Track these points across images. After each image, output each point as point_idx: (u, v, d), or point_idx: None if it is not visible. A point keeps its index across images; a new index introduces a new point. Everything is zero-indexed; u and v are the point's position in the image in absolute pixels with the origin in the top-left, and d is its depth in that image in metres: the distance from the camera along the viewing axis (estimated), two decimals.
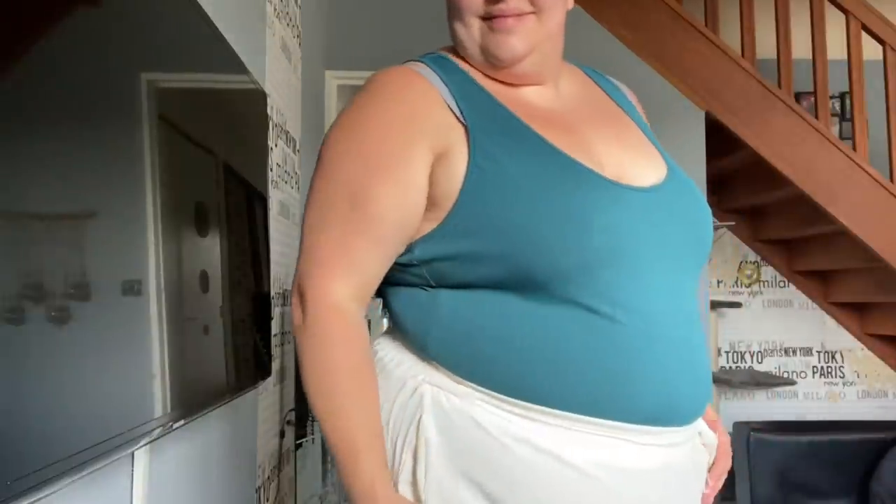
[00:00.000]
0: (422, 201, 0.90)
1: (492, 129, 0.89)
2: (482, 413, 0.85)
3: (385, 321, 1.02)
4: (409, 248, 0.92)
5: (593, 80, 1.06)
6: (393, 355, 0.95)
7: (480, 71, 0.96)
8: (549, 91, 0.98)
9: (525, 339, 0.86)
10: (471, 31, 0.92)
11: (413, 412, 0.87)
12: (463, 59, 0.97)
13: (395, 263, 0.94)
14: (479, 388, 0.86)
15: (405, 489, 0.87)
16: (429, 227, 0.90)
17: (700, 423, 0.97)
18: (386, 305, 1.01)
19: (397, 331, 0.98)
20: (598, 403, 0.84)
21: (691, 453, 0.94)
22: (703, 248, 0.96)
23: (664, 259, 0.89)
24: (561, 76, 1.01)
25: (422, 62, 0.96)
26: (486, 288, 0.88)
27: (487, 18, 0.90)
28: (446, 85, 0.92)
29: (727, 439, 1.05)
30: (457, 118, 0.89)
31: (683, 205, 0.94)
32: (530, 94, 0.96)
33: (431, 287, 0.92)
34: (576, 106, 0.98)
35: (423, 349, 0.91)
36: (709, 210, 0.99)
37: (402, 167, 0.89)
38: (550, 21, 0.92)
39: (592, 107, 1.00)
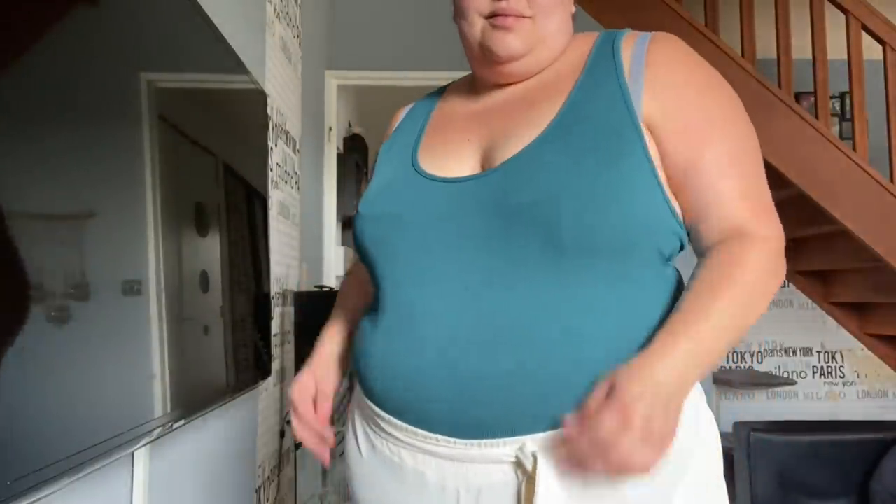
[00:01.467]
0: None
1: (396, 140, 1.04)
2: (354, 402, 1.01)
3: None
4: None
5: (593, 48, 0.96)
6: None
7: (477, 70, 1.01)
8: (521, 84, 0.98)
9: (359, 335, 0.98)
10: (473, 29, 0.95)
11: None
12: (467, 78, 1.08)
13: None
14: None
15: None
16: None
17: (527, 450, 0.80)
18: None
19: None
20: (364, 382, 0.94)
21: (460, 472, 0.83)
22: (539, 236, 0.81)
23: (451, 249, 0.85)
24: (562, 57, 0.98)
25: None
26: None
27: (490, 17, 0.93)
28: (410, 112, 1.09)
29: (625, 397, 0.72)
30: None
31: (513, 189, 0.84)
32: (496, 92, 0.99)
33: None
34: (510, 98, 0.97)
35: None
36: (565, 189, 0.81)
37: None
38: (548, 25, 0.94)
39: (521, 97, 0.96)
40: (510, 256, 0.82)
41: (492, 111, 0.96)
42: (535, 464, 0.78)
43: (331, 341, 1.09)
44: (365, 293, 1.07)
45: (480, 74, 1.00)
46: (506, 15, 0.91)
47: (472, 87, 1.03)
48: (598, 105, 0.87)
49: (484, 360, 0.81)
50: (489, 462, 0.82)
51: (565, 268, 0.82)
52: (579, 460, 0.74)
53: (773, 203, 0.90)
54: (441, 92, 1.10)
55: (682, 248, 0.92)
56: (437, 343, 0.83)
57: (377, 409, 0.90)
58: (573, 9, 0.98)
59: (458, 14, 0.97)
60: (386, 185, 0.96)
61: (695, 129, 0.86)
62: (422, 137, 1.00)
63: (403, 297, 0.88)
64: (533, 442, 0.80)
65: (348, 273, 1.22)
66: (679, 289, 0.90)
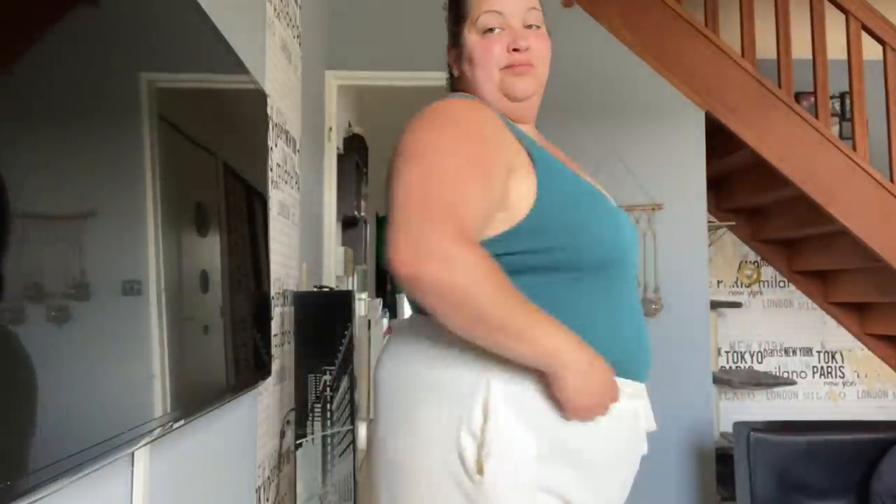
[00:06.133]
0: (498, 202, 1.08)
1: (540, 155, 1.14)
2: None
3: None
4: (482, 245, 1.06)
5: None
6: (457, 342, 1.05)
7: (496, 107, 1.20)
8: (533, 130, 1.26)
9: (581, 316, 1.08)
10: (493, 78, 1.19)
11: (486, 382, 1.04)
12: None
13: None
14: None
15: (469, 441, 1.03)
16: (503, 227, 1.09)
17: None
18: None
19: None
20: (624, 366, 1.12)
21: (643, 404, 1.18)
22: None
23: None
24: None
25: (470, 97, 1.18)
26: (546, 276, 1.09)
27: (506, 68, 1.18)
28: (506, 123, 1.16)
29: None
30: (519, 143, 1.13)
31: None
32: (530, 132, 1.23)
33: None
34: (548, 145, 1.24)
35: None
36: None
37: (492, 171, 1.07)
38: (542, 76, 1.22)
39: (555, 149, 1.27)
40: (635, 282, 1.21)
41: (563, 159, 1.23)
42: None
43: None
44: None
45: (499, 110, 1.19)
46: (523, 64, 1.18)
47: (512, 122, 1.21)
48: None
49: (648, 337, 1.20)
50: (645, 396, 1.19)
51: None
52: None
53: None
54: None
55: None
56: (643, 328, 1.18)
57: (626, 381, 1.11)
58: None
59: (477, 66, 1.19)
60: (605, 205, 1.16)
61: None
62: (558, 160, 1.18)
63: (631, 294, 1.17)
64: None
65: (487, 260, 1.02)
66: None
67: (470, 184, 1.03)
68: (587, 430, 1.07)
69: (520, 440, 1.03)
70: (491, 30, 1.18)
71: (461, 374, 1.06)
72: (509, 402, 1.04)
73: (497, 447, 1.02)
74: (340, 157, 3.83)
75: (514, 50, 1.17)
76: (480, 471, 1.01)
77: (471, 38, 1.20)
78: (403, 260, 0.94)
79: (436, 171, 1.02)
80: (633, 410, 1.14)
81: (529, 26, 1.20)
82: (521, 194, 1.09)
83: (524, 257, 1.10)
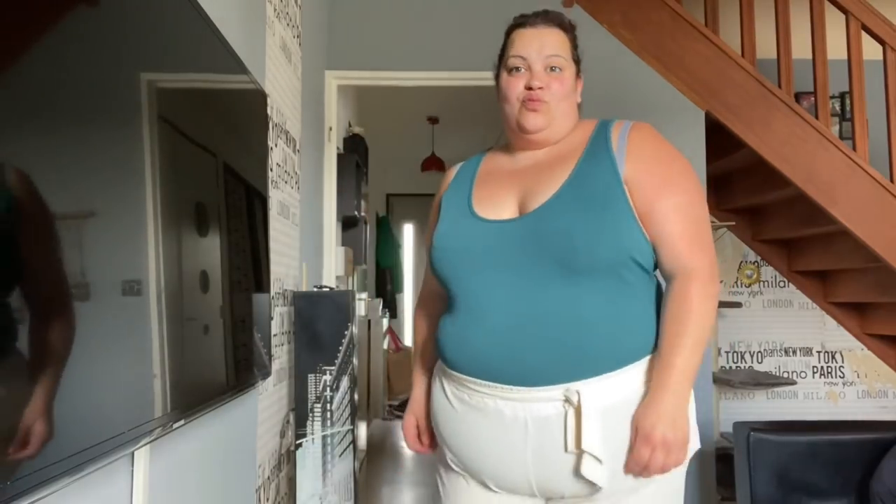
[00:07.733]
0: None
1: (453, 192, 1.46)
2: (439, 375, 1.43)
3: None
4: None
5: (593, 133, 1.40)
6: None
7: (512, 139, 1.46)
8: (542, 152, 1.42)
9: (440, 329, 1.40)
10: (513, 110, 1.40)
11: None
12: (503, 146, 1.51)
13: None
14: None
15: None
16: None
17: (572, 392, 1.24)
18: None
19: None
20: (454, 363, 1.35)
21: (525, 408, 1.26)
22: (559, 258, 1.25)
23: (502, 267, 1.29)
24: (570, 135, 1.42)
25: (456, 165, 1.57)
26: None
27: (523, 102, 1.38)
28: (459, 171, 1.52)
29: (647, 431, 1.22)
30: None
31: (542, 228, 1.28)
32: (523, 157, 1.44)
33: None
34: (535, 163, 1.40)
35: None
36: (575, 228, 1.25)
37: (430, 230, 1.48)
38: (559, 109, 1.39)
39: (543, 162, 1.39)
40: (541, 271, 1.26)
41: (523, 172, 1.40)
42: (579, 398, 1.23)
43: (418, 386, 1.55)
44: (431, 328, 1.51)
45: (513, 141, 1.45)
46: (534, 100, 1.37)
47: (509, 151, 1.48)
48: (597, 170, 1.32)
49: (532, 335, 1.25)
50: (546, 401, 1.25)
51: (575, 279, 1.25)
52: (641, 471, 1.24)
53: (707, 239, 1.32)
54: (484, 153, 1.53)
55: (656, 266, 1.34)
56: (501, 327, 1.27)
57: (463, 376, 1.33)
58: (579, 99, 1.44)
59: (502, 99, 1.43)
60: (453, 225, 1.39)
61: (651, 186, 1.29)
62: (473, 190, 1.43)
63: (474, 301, 1.31)
64: (575, 386, 1.23)
65: (418, 308, 1.61)
66: (659, 290, 1.35)
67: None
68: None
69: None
70: (518, 69, 1.40)
71: None
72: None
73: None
74: (340, 157, 3.83)
75: (529, 88, 1.38)
76: None
77: (503, 76, 1.44)
78: None
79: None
80: (480, 406, 1.32)
81: (553, 69, 1.39)
82: None
83: None
